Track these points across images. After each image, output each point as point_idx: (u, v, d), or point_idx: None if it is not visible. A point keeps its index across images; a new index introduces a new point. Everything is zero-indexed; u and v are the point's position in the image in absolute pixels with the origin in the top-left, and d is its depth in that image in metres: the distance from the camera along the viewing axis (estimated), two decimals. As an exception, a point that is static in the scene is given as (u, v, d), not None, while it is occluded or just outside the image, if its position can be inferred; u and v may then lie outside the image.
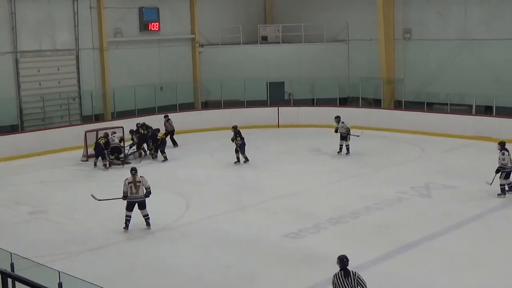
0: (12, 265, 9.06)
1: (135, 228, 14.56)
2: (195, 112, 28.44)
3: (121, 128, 23.25)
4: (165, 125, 24.34)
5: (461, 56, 26.54)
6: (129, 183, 14.27)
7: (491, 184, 16.43)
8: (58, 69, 26.17)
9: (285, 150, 23.25)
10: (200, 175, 19.93)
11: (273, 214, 15.62)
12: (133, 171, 14.49)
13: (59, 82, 26.15)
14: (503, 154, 16.20)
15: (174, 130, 24.46)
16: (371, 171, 19.84)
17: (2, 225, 15.29)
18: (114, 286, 8.42)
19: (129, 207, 14.36)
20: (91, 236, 14.27)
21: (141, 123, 23.08)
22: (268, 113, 27.90)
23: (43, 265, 9.38)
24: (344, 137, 22.06)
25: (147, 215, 14.46)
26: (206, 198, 17.28)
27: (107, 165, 20.91)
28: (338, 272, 8.46)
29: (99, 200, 15.10)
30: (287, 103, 29.12)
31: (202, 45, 30.57)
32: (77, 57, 26.60)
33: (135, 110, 27.09)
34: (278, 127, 27.79)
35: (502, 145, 16.42)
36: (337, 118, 22.39)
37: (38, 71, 25.59)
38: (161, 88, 28.65)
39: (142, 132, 22.51)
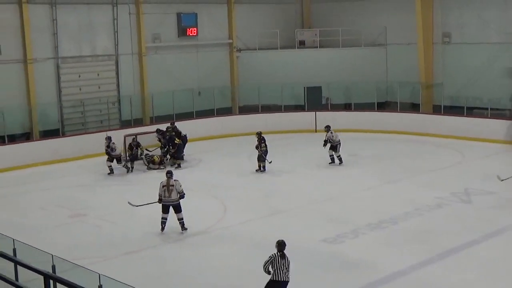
0: (53, 267, 9.18)
1: (172, 231, 14.68)
2: (233, 117, 28.53)
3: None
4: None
5: (501, 59, 26.02)
6: (163, 186, 14.51)
7: (502, 180, 16.61)
8: (98, 75, 26.54)
9: (321, 155, 23.11)
10: (237, 179, 19.99)
11: (311, 219, 15.56)
12: (168, 174, 14.73)
13: (98, 87, 26.51)
14: None
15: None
16: (409, 176, 19.61)
17: (43, 228, 15.57)
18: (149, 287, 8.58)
19: (164, 210, 14.60)
20: (127, 239, 14.44)
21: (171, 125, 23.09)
22: (305, 117, 27.80)
23: (83, 267, 9.49)
24: (334, 147, 21.26)
25: (182, 218, 14.59)
26: (243, 203, 17.31)
27: (130, 169, 21.43)
28: (276, 253, 9.91)
29: (136, 206, 15.38)
30: (324, 107, 29.00)
31: (239, 50, 30.68)
32: (117, 62, 26.96)
33: (173, 114, 27.29)
34: (316, 132, 27.65)
35: None
36: (327, 128, 21.54)
37: (79, 76, 26.00)
38: (199, 93, 28.81)
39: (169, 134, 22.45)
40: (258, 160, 20.78)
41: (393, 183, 18.79)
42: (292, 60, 30.42)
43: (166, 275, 12.27)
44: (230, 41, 30.45)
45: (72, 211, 16.87)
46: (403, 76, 28.60)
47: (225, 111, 29.35)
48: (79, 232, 15.16)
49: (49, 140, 23.97)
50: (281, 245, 10.00)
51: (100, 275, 8.49)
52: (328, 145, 21.26)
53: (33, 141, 24.10)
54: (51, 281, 7.65)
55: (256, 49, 30.76)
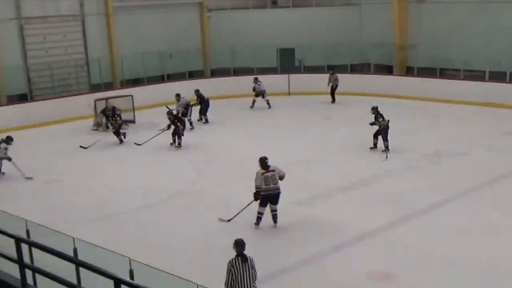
0: (28, 232, 8.95)
1: (151, 196, 14.52)
2: (205, 80, 27.94)
3: (131, 97, 22.99)
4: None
5: (477, 20, 25.72)
6: (262, 174, 12.06)
7: None
8: (64, 36, 25.65)
9: (295, 117, 22.96)
10: (212, 142, 19.80)
11: (283, 181, 15.44)
12: (266, 160, 12.18)
13: (66, 50, 25.67)
14: None
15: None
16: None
17: (17, 193, 15.25)
18: (126, 250, 8.38)
19: (264, 203, 12.23)
20: (104, 204, 14.19)
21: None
22: (278, 80, 27.41)
23: (59, 232, 9.24)
24: (259, 95, 24.44)
25: (276, 210, 12.38)
26: (214, 167, 17.06)
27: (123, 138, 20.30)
28: (234, 258, 7.91)
29: (229, 220, 12.68)
30: (297, 70, 28.67)
31: (210, 10, 29.95)
32: (83, 22, 26.08)
33: (144, 78, 26.75)
34: (289, 94, 27.39)
35: None
36: (255, 79, 24.50)
37: (44, 38, 25.08)
38: (170, 55, 28.15)
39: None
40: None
41: (365, 145, 18.65)
42: (265, 21, 29.93)
43: (141, 238, 12.14)
44: (201, 0, 29.73)
45: (47, 176, 16.50)
46: (378, 37, 28.22)
47: (197, 74, 28.84)
48: (55, 198, 14.88)
49: (18, 105, 23.25)
50: (239, 245, 8.03)
51: (75, 239, 8.34)
52: None
53: (0, 106, 23.30)
54: (26, 246, 7.38)
55: (227, 9, 30.12)
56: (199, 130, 21.59)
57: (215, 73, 29.37)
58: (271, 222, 12.35)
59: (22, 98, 24.22)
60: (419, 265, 10.60)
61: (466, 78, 25.09)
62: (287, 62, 28.89)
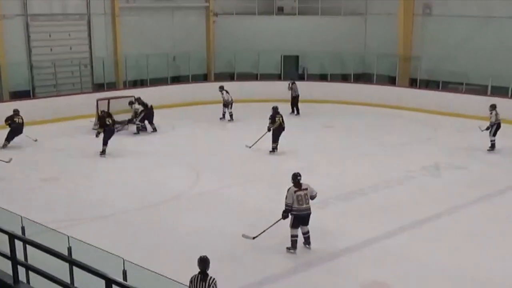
0: (23, 228, 8.93)
1: (149, 197, 14.51)
2: (207, 84, 28.01)
3: (133, 98, 22.99)
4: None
5: (481, 34, 25.77)
6: (295, 192, 11.34)
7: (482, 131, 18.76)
8: (69, 35, 25.66)
9: (296, 125, 22.96)
10: (210, 146, 19.88)
11: (281, 188, 15.44)
12: (299, 176, 11.47)
13: (70, 48, 25.67)
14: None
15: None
16: (381, 149, 19.56)
17: (14, 190, 15.20)
18: (119, 250, 8.39)
19: (297, 224, 11.47)
20: (101, 204, 14.18)
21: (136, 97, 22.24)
22: (281, 87, 27.42)
23: (54, 230, 9.25)
24: (227, 105, 23.41)
25: (309, 231, 11.64)
26: (215, 170, 17.05)
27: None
28: (196, 275, 7.62)
29: (254, 237, 11.81)
30: (300, 77, 28.70)
31: (216, 14, 30.01)
32: (89, 22, 26.12)
33: (147, 79, 26.79)
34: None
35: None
36: (220, 88, 23.58)
37: (49, 36, 25.11)
38: (174, 58, 28.20)
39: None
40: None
41: (365, 155, 18.68)
42: (270, 27, 29.90)
43: (137, 238, 12.11)
44: (207, 4, 29.77)
45: (45, 174, 16.52)
46: (382, 48, 28.27)
47: (200, 78, 28.87)
48: (51, 196, 14.86)
49: (20, 101, 23.23)
50: (202, 262, 7.63)
51: (69, 237, 8.29)
52: None
53: (3, 102, 23.30)
54: (20, 243, 7.40)
55: (233, 14, 30.17)
56: (200, 133, 21.65)
57: (218, 77, 29.39)
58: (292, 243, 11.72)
59: (25, 94, 24.25)
60: (414, 276, 10.60)
61: (468, 91, 25.08)
62: (291, 69, 28.91)
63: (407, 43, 27.98)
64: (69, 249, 8.13)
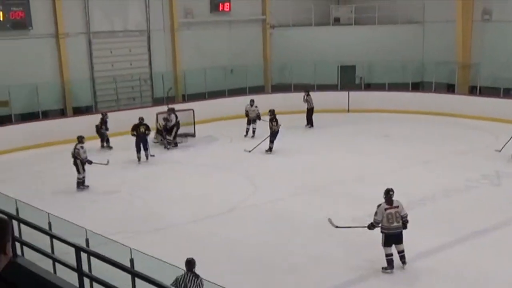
0: (87, 241, 9.26)
1: (206, 209, 14.69)
2: (265, 96, 28.19)
3: (192, 111, 23.39)
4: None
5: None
6: (385, 209, 11.06)
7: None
8: (130, 50, 26.43)
9: (353, 134, 22.88)
10: (267, 158, 19.96)
11: (339, 198, 15.40)
12: (392, 192, 11.16)
13: (130, 64, 26.43)
14: None
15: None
16: (441, 158, 19.29)
17: (79, 202, 15.78)
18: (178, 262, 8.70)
19: (389, 243, 11.13)
20: (160, 216, 14.51)
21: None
22: (338, 97, 27.42)
23: (116, 241, 9.53)
24: (253, 120, 22.51)
25: (403, 250, 11.22)
26: (269, 181, 17.21)
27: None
28: (188, 274, 8.45)
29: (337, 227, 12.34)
30: (358, 87, 28.56)
31: (273, 27, 30.24)
32: (149, 38, 26.79)
33: (205, 93, 27.19)
34: (348, 111, 27.31)
35: None
36: (252, 102, 22.92)
37: (111, 52, 25.91)
38: (232, 70, 28.54)
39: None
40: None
41: (424, 164, 18.46)
42: (326, 38, 29.93)
43: (196, 251, 12.22)
44: (264, 17, 30.04)
45: (107, 187, 17.05)
46: (440, 56, 27.80)
47: (258, 90, 29.11)
48: (113, 208, 15.32)
49: (82, 116, 24.03)
50: (190, 263, 8.55)
51: (132, 249, 8.52)
52: None
53: (67, 117, 24.16)
54: (83, 254, 7.67)
55: (289, 26, 30.33)
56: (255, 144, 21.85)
57: (275, 88, 29.56)
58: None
59: (87, 110, 25.01)
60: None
61: (530, 98, 24.43)
62: (348, 79, 28.81)
63: (466, 50, 27.45)
64: (131, 261, 8.36)
